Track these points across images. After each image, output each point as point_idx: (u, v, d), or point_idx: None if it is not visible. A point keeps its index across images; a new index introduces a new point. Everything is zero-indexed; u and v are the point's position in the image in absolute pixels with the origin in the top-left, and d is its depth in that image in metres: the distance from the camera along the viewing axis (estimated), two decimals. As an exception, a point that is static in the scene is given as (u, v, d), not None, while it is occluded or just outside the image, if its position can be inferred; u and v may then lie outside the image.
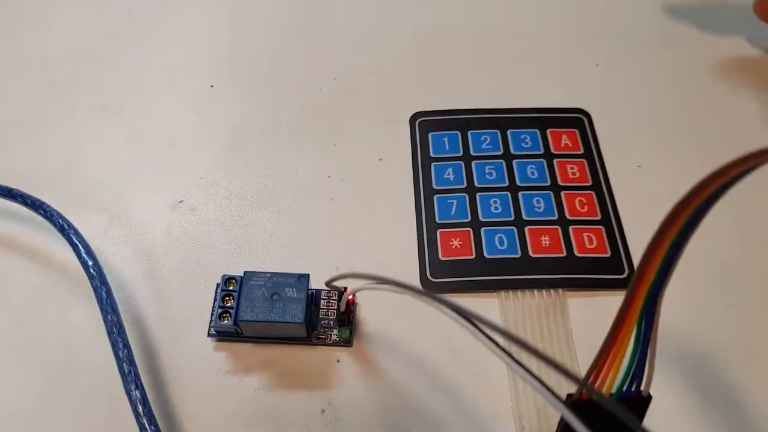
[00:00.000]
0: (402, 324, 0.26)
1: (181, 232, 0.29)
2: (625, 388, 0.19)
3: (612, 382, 0.19)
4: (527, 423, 0.24)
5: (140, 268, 0.28)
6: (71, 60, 0.35)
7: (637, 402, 0.20)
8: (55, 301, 0.27)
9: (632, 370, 0.19)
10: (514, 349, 0.18)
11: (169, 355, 0.26)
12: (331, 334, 0.26)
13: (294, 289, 0.24)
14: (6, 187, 0.27)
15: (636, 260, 0.27)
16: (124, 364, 0.22)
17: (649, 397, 0.20)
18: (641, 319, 0.19)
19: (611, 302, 0.27)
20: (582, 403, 0.19)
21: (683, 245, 0.17)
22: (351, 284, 0.24)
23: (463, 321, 0.18)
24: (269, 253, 0.28)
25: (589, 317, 0.26)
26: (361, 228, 0.29)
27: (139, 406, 0.21)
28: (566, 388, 0.19)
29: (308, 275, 0.24)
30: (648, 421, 0.20)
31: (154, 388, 0.25)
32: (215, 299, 0.26)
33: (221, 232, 0.29)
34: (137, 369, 0.22)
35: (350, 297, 0.25)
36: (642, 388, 0.20)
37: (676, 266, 0.17)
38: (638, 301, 0.18)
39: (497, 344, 0.18)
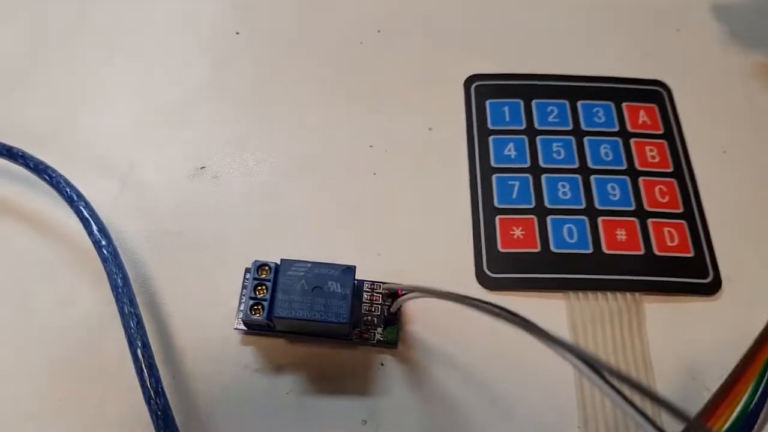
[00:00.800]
0: (456, 325, 0.23)
1: (201, 204, 0.25)
2: (734, 434, 0.17)
3: (722, 426, 0.17)
4: (597, 448, 0.21)
5: (154, 244, 0.24)
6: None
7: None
8: (58, 282, 0.23)
9: (746, 415, 0.16)
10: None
11: (190, 347, 0.23)
12: (374, 333, 0.22)
13: (338, 284, 0.21)
14: (5, 146, 0.24)
15: (722, 262, 0.24)
16: (144, 369, 0.19)
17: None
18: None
19: (692, 310, 0.24)
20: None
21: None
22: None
23: (571, 357, 0.14)
24: (301, 232, 0.25)
25: (668, 326, 0.23)
26: (407, 208, 0.25)
27: (160, 419, 0.18)
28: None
29: (354, 267, 0.21)
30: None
31: (173, 385, 0.22)
32: (244, 287, 0.23)
33: (247, 206, 0.25)
34: (158, 373, 0.19)
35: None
36: (753, 432, 0.17)
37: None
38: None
39: (615, 388, 0.14)
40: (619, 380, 0.13)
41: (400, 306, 0.22)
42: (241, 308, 0.23)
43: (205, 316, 0.23)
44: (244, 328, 0.22)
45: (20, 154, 0.24)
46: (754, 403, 0.16)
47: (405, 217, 0.25)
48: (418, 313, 0.23)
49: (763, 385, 0.16)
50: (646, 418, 0.14)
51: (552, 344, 0.14)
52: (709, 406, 0.16)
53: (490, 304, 0.15)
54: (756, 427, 0.17)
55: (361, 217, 0.25)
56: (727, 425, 0.17)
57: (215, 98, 0.28)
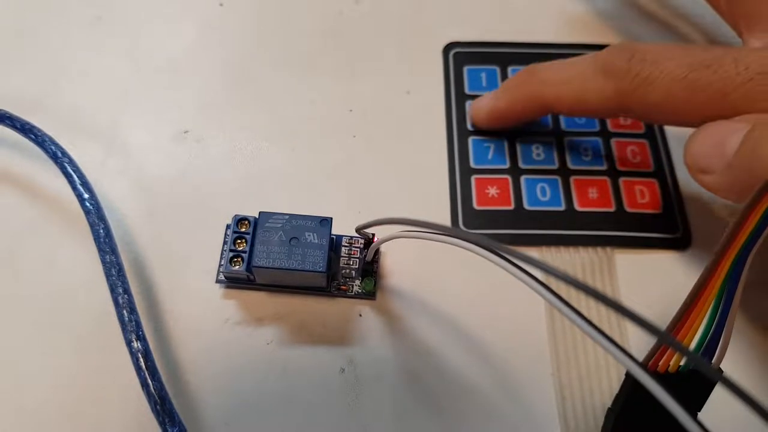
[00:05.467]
0: (432, 276, 0.24)
1: (186, 165, 0.26)
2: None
3: (690, 339, 0.17)
4: (569, 393, 0.22)
5: (140, 205, 0.25)
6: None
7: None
8: (45, 238, 0.24)
9: (706, 341, 0.17)
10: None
11: (172, 302, 0.23)
12: (352, 285, 0.23)
13: (315, 234, 0.22)
14: (-10, 108, 0.24)
15: (692, 218, 0.25)
16: (125, 312, 0.20)
17: (719, 372, 0.18)
18: (724, 286, 0.16)
19: (662, 263, 0.25)
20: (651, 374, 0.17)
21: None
22: (379, 231, 0.22)
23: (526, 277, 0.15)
24: (282, 193, 0.25)
25: (638, 279, 0.24)
26: (385, 169, 0.26)
27: (141, 359, 0.19)
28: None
29: (331, 219, 0.22)
30: (713, 396, 0.18)
31: (156, 338, 0.22)
32: (225, 242, 0.24)
33: (230, 167, 0.26)
34: (139, 317, 0.20)
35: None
36: (713, 361, 0.18)
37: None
38: (725, 264, 0.16)
39: (569, 305, 0.15)
40: (596, 299, 0.13)
41: (376, 253, 0.23)
42: (222, 262, 0.23)
43: (187, 273, 0.24)
44: (225, 281, 0.23)
45: (7, 115, 0.24)
46: (718, 315, 0.17)
47: (384, 178, 0.26)
48: (394, 266, 0.24)
49: (722, 304, 0.17)
50: (617, 345, 0.15)
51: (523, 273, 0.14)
52: (672, 328, 0.17)
53: (456, 230, 0.16)
54: (717, 354, 0.17)
55: (341, 177, 0.26)
56: (696, 338, 0.17)
57: (198, 65, 0.28)
